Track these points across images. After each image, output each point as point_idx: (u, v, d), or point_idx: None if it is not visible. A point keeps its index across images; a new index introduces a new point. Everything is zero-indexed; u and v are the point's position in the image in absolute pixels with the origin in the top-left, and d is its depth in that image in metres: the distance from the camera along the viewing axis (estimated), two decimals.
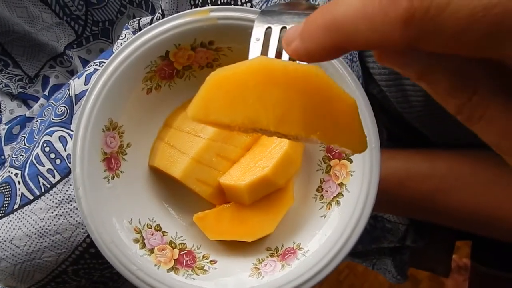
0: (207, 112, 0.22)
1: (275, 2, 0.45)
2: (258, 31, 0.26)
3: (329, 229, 0.39)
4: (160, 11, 0.48)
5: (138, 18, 0.50)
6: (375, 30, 0.16)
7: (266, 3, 0.46)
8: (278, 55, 0.25)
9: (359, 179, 0.39)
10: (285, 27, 0.25)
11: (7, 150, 0.59)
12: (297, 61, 0.24)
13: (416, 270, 1.30)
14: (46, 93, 0.60)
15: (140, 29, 0.50)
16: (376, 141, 0.38)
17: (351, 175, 0.40)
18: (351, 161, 0.40)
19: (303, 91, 0.21)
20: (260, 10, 0.38)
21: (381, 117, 0.45)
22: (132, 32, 0.50)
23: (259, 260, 0.41)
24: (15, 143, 0.58)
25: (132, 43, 0.38)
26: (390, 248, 0.62)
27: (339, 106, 0.21)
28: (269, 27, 0.26)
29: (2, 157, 0.61)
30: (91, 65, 0.48)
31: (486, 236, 0.52)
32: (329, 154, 0.42)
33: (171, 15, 0.48)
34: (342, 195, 0.40)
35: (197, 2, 0.48)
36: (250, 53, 0.26)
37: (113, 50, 0.48)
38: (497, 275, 0.69)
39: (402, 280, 0.64)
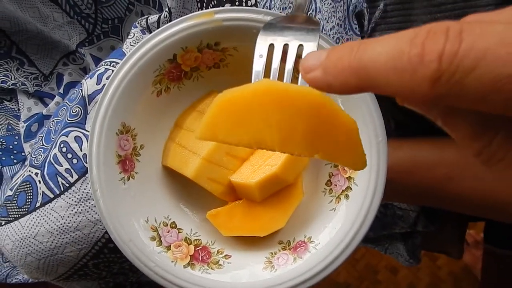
0: (215, 133, 0.23)
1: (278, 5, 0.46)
2: (261, 48, 0.26)
3: (338, 222, 0.40)
4: (167, 9, 0.49)
5: (146, 17, 0.51)
6: (402, 83, 0.17)
7: (269, 2, 0.46)
8: (281, 72, 0.26)
9: (367, 173, 0.40)
10: (287, 44, 0.26)
11: (26, 147, 0.62)
12: (299, 83, 0.24)
13: None
14: (61, 90, 0.62)
15: (148, 27, 0.50)
16: (383, 134, 0.39)
17: None
18: None
19: (306, 113, 0.21)
20: (263, 10, 0.38)
21: (388, 107, 0.45)
22: (141, 30, 0.50)
23: (272, 253, 0.42)
24: (34, 141, 0.60)
25: (140, 48, 0.39)
26: (402, 233, 0.63)
27: (340, 127, 0.22)
28: (272, 44, 0.26)
29: (23, 154, 0.63)
30: (102, 65, 0.49)
31: (500, 221, 0.52)
32: None
33: (177, 13, 0.49)
34: (351, 188, 0.41)
35: (203, 0, 0.49)
36: (253, 69, 0.26)
37: (123, 50, 0.49)
38: (510, 255, 0.69)
39: (415, 263, 0.65)
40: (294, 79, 0.25)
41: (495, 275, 0.74)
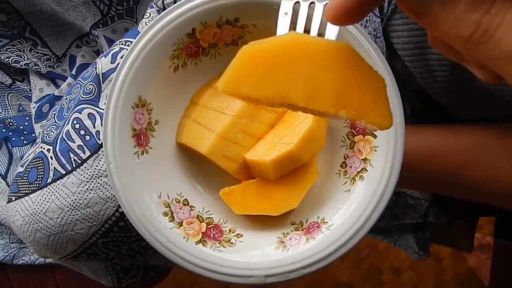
0: (238, 86, 0.22)
1: None
2: (286, 6, 0.26)
3: (353, 204, 0.40)
4: None
5: None
6: None
7: None
8: (306, 30, 0.26)
9: (383, 154, 0.39)
10: (313, 3, 0.25)
11: (37, 128, 0.61)
12: (326, 38, 0.24)
13: (439, 248, 1.30)
14: (73, 72, 0.61)
15: (164, 8, 0.50)
16: (401, 115, 0.39)
17: (375, 150, 0.40)
18: (375, 137, 0.40)
19: (334, 68, 0.21)
20: None
21: (405, 93, 0.45)
22: (157, 11, 0.50)
23: (284, 233, 0.42)
24: (45, 120, 0.60)
25: (159, 21, 0.39)
26: (412, 224, 0.62)
27: (368, 83, 0.21)
28: (297, 2, 0.26)
29: (33, 135, 0.63)
30: (116, 44, 0.49)
31: None
32: (353, 130, 0.42)
33: None
34: (366, 170, 0.41)
35: None
36: (278, 27, 0.26)
37: (138, 29, 0.48)
38: None
39: (424, 256, 0.65)
40: (321, 35, 0.25)
41: (506, 270, 0.73)
